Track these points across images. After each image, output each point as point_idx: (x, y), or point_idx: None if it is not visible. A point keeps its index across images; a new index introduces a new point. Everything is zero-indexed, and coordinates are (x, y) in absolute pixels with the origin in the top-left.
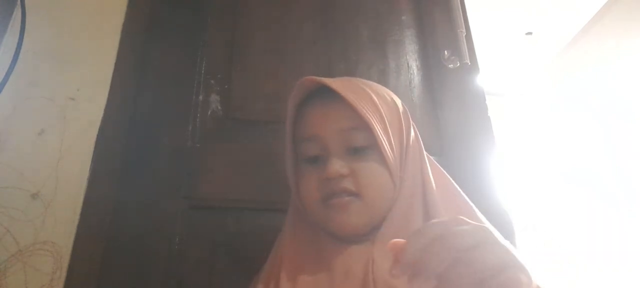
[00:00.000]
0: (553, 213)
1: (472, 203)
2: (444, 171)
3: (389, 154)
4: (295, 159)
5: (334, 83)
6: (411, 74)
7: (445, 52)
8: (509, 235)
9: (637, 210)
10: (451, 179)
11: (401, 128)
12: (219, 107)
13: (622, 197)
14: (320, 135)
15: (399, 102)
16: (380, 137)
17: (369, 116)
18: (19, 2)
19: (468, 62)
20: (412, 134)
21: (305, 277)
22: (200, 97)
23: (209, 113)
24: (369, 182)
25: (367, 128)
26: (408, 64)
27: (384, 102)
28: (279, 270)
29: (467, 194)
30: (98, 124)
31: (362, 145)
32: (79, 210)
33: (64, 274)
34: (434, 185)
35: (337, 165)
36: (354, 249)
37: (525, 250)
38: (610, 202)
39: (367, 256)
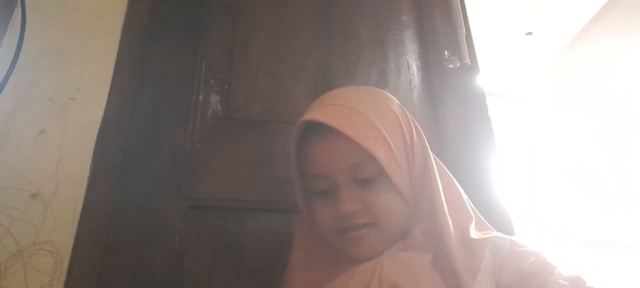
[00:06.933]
0: (553, 213)
1: (470, 206)
2: (446, 168)
3: (398, 180)
4: (305, 192)
5: (331, 120)
6: (411, 74)
7: (445, 52)
8: (508, 234)
9: (637, 210)
10: (453, 178)
11: (404, 138)
12: (219, 107)
13: (622, 197)
14: (326, 174)
15: (395, 106)
16: (389, 166)
17: (374, 148)
18: (19, 2)
19: (468, 62)
20: (415, 136)
21: None
22: (200, 97)
23: (209, 113)
24: (383, 212)
25: (373, 159)
26: (408, 64)
27: (383, 120)
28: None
29: (467, 194)
30: (98, 124)
31: (370, 177)
32: (79, 210)
33: (64, 274)
34: (441, 188)
35: (349, 202)
36: (368, 262)
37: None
38: (610, 202)
39: (377, 261)
